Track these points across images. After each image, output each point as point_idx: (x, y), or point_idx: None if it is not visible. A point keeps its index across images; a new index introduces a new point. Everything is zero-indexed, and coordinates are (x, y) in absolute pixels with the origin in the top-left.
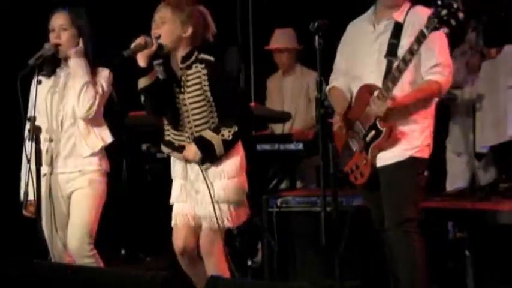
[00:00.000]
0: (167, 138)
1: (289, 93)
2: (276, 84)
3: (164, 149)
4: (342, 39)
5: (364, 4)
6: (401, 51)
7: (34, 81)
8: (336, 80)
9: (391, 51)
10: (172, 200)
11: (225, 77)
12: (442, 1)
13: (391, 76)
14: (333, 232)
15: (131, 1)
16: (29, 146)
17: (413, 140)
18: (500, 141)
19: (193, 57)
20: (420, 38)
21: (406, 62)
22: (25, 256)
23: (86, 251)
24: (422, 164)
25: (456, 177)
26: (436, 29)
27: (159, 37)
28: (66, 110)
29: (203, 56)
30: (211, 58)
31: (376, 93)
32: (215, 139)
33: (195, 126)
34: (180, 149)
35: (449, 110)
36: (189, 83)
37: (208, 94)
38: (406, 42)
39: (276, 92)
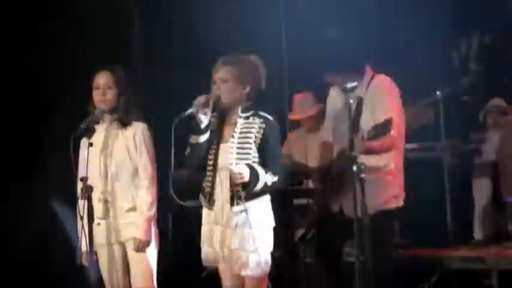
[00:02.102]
0: (204, 187)
1: (315, 150)
2: (300, 140)
3: (201, 197)
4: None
5: None
6: (363, 125)
7: (83, 142)
8: (327, 135)
9: (353, 126)
10: (202, 244)
11: (277, 136)
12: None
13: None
14: (368, 280)
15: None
16: (81, 204)
17: (382, 194)
18: None
19: (252, 111)
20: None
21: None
22: None
23: None
24: (391, 215)
25: (480, 226)
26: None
27: (219, 96)
28: (110, 166)
29: (262, 113)
30: (270, 117)
31: None
32: (262, 175)
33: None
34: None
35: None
36: (240, 130)
37: (257, 144)
38: (365, 117)
39: (298, 148)
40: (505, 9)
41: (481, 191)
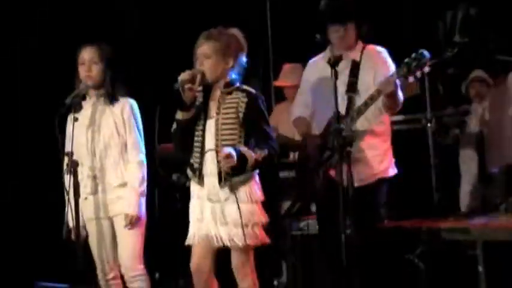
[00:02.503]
0: (192, 162)
1: None
2: (286, 112)
3: (189, 172)
4: (302, 77)
5: None
6: (361, 87)
7: (70, 118)
8: (299, 112)
9: (351, 88)
10: (191, 218)
11: (262, 108)
12: (414, 55)
13: (358, 109)
14: (354, 253)
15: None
16: (67, 179)
17: (378, 164)
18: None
19: (236, 86)
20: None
21: (372, 99)
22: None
23: (139, 271)
24: (387, 183)
25: (466, 198)
26: (402, 76)
27: (203, 71)
28: (98, 142)
29: (245, 87)
30: (253, 90)
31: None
32: (249, 155)
33: (223, 145)
34: (198, 171)
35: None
36: (225, 105)
37: (241, 119)
38: (364, 79)
39: (284, 120)
40: None
41: (467, 162)
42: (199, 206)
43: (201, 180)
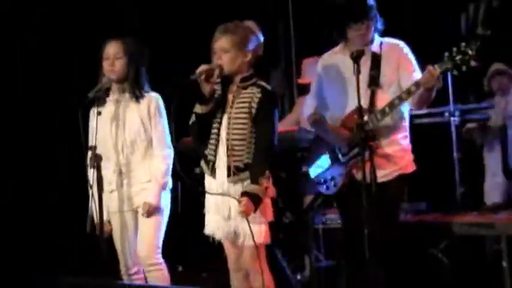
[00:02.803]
0: (206, 154)
1: None
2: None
3: (202, 164)
4: (317, 71)
5: None
6: (383, 80)
7: (93, 112)
8: (314, 107)
9: (373, 81)
10: (206, 211)
11: (273, 107)
12: (458, 47)
13: (391, 104)
14: (377, 249)
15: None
16: (91, 173)
17: (399, 160)
18: None
19: (252, 81)
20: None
21: (410, 93)
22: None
23: (155, 260)
24: (407, 180)
25: (491, 192)
26: (447, 70)
27: (220, 65)
28: (124, 138)
29: (261, 82)
30: (268, 87)
31: (367, 116)
32: (261, 191)
33: (233, 139)
34: (212, 164)
35: (484, 129)
36: (239, 100)
37: (253, 114)
38: (387, 71)
39: None
40: None
41: (491, 156)
42: (211, 199)
43: (213, 172)
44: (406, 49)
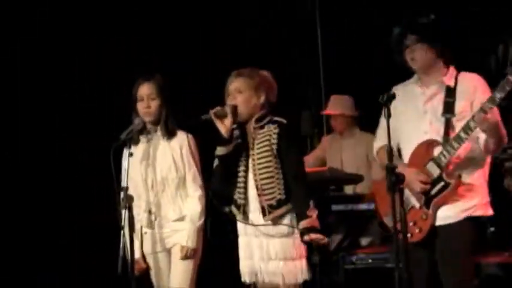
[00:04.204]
0: (236, 199)
1: (351, 156)
2: (335, 145)
3: (233, 209)
4: None
5: None
6: (458, 110)
7: (125, 153)
8: (383, 141)
9: (448, 109)
10: (240, 255)
11: (293, 137)
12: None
13: (465, 127)
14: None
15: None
16: (123, 214)
17: (470, 199)
18: None
19: (267, 119)
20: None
21: (471, 129)
22: None
23: None
24: (478, 223)
25: None
26: (506, 95)
27: (235, 106)
28: (155, 176)
29: (277, 118)
30: (284, 120)
31: (438, 148)
32: (314, 222)
33: (261, 179)
34: (243, 207)
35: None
36: (258, 141)
37: (275, 151)
38: (461, 102)
39: (334, 153)
40: None
41: None
42: (246, 243)
43: (245, 216)
44: (485, 85)
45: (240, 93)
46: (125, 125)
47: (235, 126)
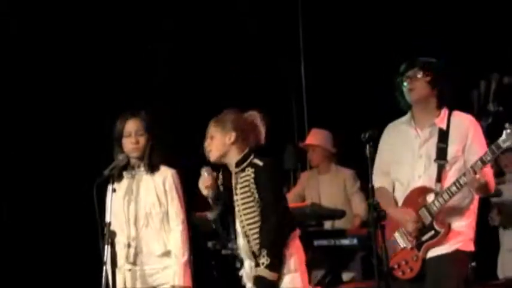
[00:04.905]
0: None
1: (328, 191)
2: (313, 181)
3: None
4: (381, 141)
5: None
6: (450, 155)
7: (109, 189)
8: (379, 181)
9: (441, 155)
10: None
11: (267, 179)
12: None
13: (456, 182)
14: None
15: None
16: (105, 250)
17: (459, 235)
18: None
19: (247, 162)
20: (495, 150)
21: (475, 171)
22: None
23: None
24: (467, 257)
25: (505, 267)
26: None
27: (210, 151)
28: (139, 212)
29: (255, 160)
30: (261, 163)
31: (430, 195)
32: (264, 273)
33: (247, 225)
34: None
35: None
36: (239, 186)
37: (256, 195)
38: (454, 147)
39: (312, 189)
40: None
41: (506, 233)
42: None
43: (242, 264)
44: (477, 126)
45: (212, 138)
46: (107, 161)
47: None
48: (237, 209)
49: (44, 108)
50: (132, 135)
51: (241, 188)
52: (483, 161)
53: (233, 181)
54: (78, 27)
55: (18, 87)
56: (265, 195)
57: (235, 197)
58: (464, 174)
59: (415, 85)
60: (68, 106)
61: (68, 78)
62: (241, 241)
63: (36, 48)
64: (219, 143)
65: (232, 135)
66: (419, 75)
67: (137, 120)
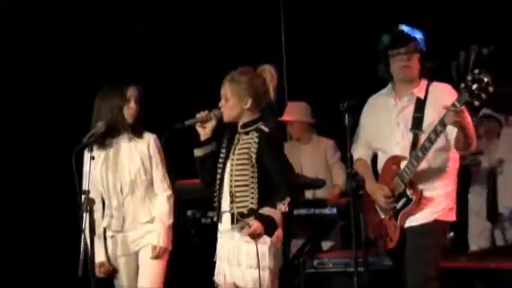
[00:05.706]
0: (214, 200)
1: (309, 161)
2: (294, 151)
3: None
4: (363, 114)
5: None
6: (426, 124)
7: (87, 157)
8: (359, 152)
9: (416, 124)
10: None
11: (275, 148)
12: (472, 76)
13: (422, 147)
14: None
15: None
16: (84, 217)
17: (438, 204)
18: None
19: (253, 126)
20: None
21: (437, 133)
22: None
23: None
24: (445, 227)
25: (476, 236)
26: (467, 102)
27: (221, 113)
28: (123, 179)
29: (262, 126)
30: (266, 129)
31: (404, 163)
32: (276, 214)
33: (235, 186)
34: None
35: (471, 174)
36: (240, 147)
37: (253, 160)
38: (430, 115)
39: (293, 159)
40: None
41: (477, 201)
42: (221, 245)
43: (219, 218)
44: (455, 94)
45: (227, 100)
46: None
47: (213, 123)
48: (229, 168)
49: (44, 108)
50: (131, 101)
51: (240, 149)
52: (454, 105)
53: (235, 142)
54: (78, 27)
55: (18, 88)
56: (277, 161)
57: (231, 156)
58: (433, 131)
59: (412, 63)
60: (68, 106)
61: (68, 79)
62: (224, 198)
63: (36, 48)
64: (234, 106)
65: (249, 101)
66: (414, 52)
67: (136, 88)
